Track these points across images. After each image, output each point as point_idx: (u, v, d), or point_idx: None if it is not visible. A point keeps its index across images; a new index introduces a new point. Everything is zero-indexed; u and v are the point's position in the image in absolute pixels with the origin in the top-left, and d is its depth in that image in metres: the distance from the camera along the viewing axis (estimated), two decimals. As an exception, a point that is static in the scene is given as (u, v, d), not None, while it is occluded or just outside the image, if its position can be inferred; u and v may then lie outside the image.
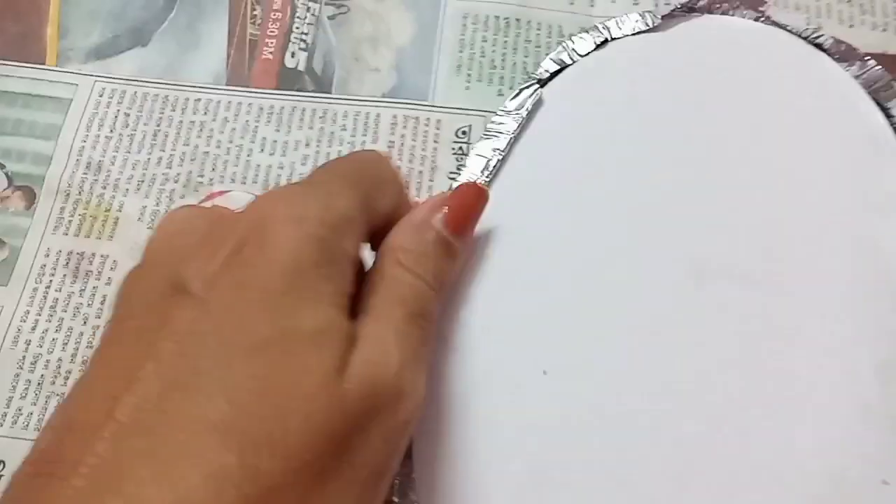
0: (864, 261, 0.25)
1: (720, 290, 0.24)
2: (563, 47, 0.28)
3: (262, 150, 0.31)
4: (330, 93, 0.32)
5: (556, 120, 0.27)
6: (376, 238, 0.21)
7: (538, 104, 0.27)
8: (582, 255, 0.25)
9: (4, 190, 0.31)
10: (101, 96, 0.33)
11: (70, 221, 0.30)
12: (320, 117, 0.32)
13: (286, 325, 0.17)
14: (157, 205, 0.31)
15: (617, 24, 0.29)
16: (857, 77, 0.28)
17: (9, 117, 0.32)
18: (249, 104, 0.32)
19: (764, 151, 0.26)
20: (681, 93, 0.27)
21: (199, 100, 0.32)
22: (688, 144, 0.26)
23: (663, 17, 0.29)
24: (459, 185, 0.22)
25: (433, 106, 0.32)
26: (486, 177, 0.26)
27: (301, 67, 0.33)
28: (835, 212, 0.26)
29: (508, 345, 0.24)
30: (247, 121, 0.32)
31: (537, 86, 0.28)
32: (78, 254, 0.30)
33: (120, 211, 0.31)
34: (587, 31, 0.29)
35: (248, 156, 0.31)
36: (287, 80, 0.33)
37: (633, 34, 0.29)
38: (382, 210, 0.20)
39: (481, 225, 0.23)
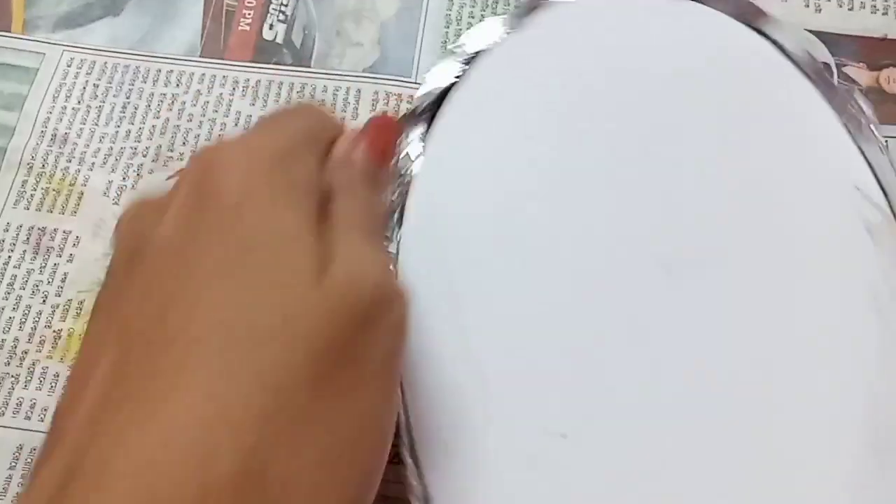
0: (836, 216, 0.24)
1: (694, 276, 0.23)
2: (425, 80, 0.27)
3: (237, 124, 0.30)
4: (309, 66, 0.31)
5: (462, 159, 0.25)
6: None
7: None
8: (545, 291, 0.23)
9: (-37, 161, 0.29)
10: (69, 66, 0.31)
11: (32, 195, 0.29)
12: (298, 92, 0.30)
13: (252, 246, 0.16)
14: (125, 179, 0.29)
15: (476, 33, 0.27)
16: (728, 13, 0.28)
17: (-30, 86, 0.31)
18: (224, 77, 0.31)
19: (679, 121, 0.26)
20: (574, 89, 0.26)
21: (171, 72, 0.31)
22: (607, 142, 0.25)
23: (515, 18, 0.27)
24: (370, 120, 0.22)
25: (416, 83, 0.30)
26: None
27: (279, 40, 0.32)
28: (780, 168, 0.25)
29: (509, 415, 0.22)
30: (220, 94, 0.30)
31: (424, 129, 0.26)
32: (39, 229, 0.28)
33: (85, 185, 0.29)
34: (444, 57, 0.27)
35: (222, 130, 0.30)
36: (264, 52, 0.31)
37: (498, 42, 0.27)
38: (328, 140, 0.21)
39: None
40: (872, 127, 0.26)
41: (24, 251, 0.28)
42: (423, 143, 0.25)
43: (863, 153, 0.25)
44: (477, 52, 0.27)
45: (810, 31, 0.31)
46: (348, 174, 0.20)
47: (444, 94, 0.26)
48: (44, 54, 0.31)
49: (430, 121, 0.26)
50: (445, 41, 0.31)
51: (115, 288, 0.18)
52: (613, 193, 0.24)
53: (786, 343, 0.22)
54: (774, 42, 0.27)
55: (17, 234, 0.28)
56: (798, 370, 0.22)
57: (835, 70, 0.31)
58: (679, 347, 0.22)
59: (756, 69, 0.27)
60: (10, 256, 0.28)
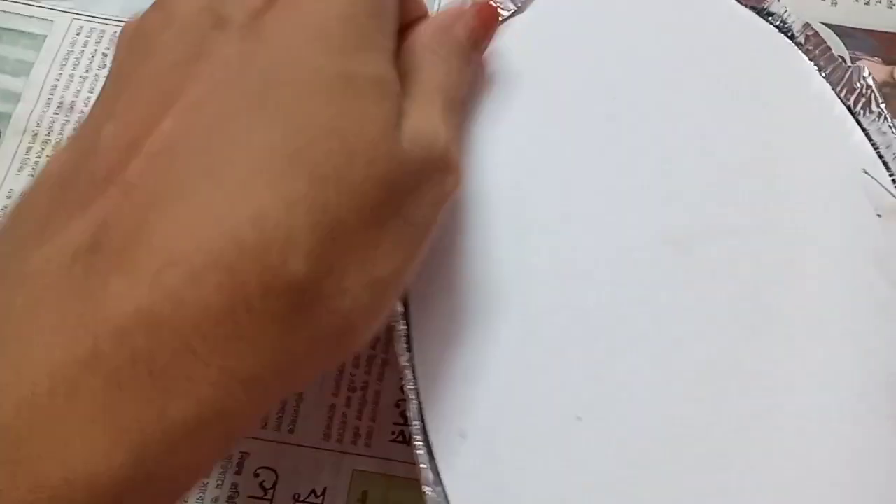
0: (843, 196, 0.24)
1: (705, 253, 0.23)
2: None
3: (247, 98, 0.30)
4: (321, 43, 0.31)
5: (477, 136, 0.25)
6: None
7: None
8: (557, 274, 0.23)
9: (-33, 126, 0.29)
10: (77, 34, 0.31)
11: (37, 162, 0.29)
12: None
13: (349, 69, 0.16)
14: (132, 150, 0.29)
15: None
16: None
17: (-24, 50, 0.30)
18: (235, 50, 0.30)
19: (681, 102, 0.25)
20: (575, 72, 0.26)
21: (182, 43, 0.31)
22: (610, 123, 0.25)
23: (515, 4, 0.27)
24: (477, 4, 0.22)
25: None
26: None
27: (292, 15, 0.31)
28: (782, 148, 0.25)
29: (525, 400, 0.21)
30: (232, 67, 0.30)
31: None
32: (43, 197, 0.28)
33: (91, 154, 0.29)
34: None
35: (232, 103, 0.30)
36: (277, 27, 0.31)
37: (501, 21, 0.26)
38: None
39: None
40: (882, 106, 0.25)
41: (28, 218, 0.28)
42: None
43: (869, 134, 0.25)
44: None
45: (826, 24, 0.31)
46: (448, 40, 0.20)
47: None
48: (52, 21, 0.31)
49: None
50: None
51: (190, 41, 0.16)
52: (617, 173, 0.24)
53: (798, 315, 0.22)
54: (777, 22, 0.27)
55: (21, 201, 0.28)
56: (813, 342, 0.22)
57: (849, 64, 0.31)
58: (690, 325, 0.22)
59: (758, 49, 0.27)
60: (13, 223, 0.28)
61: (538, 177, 0.24)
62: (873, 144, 0.25)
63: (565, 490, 0.20)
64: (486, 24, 0.22)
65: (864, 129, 0.25)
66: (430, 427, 0.21)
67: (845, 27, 0.31)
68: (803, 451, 0.21)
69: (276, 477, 0.24)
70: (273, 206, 0.14)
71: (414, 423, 0.21)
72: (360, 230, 0.16)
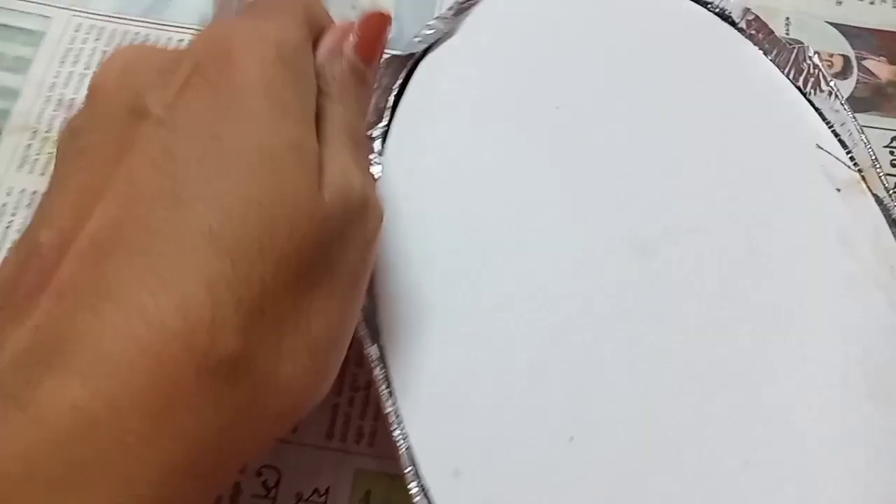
0: (801, 175, 0.24)
1: (671, 252, 0.23)
2: (378, 84, 0.26)
3: (249, 95, 0.29)
4: (324, 40, 0.30)
5: (418, 164, 0.25)
6: None
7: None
8: (532, 291, 0.22)
9: (-34, 123, 0.29)
10: (76, 31, 0.31)
11: (36, 160, 0.28)
12: (312, 64, 0.30)
13: (265, 142, 0.16)
14: (132, 147, 0.29)
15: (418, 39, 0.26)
16: None
17: (-25, 47, 0.30)
18: (237, 47, 0.30)
19: (631, 97, 0.25)
20: (520, 74, 0.26)
21: (181, 41, 0.30)
22: (561, 126, 0.25)
23: (451, 17, 0.27)
24: (365, 14, 0.21)
25: (433, 59, 0.30)
26: None
27: (294, 12, 0.31)
28: (737, 133, 0.25)
29: (516, 429, 0.21)
30: (233, 64, 0.30)
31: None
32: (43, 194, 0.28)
33: (91, 151, 0.28)
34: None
35: (233, 100, 0.29)
36: (278, 24, 0.31)
37: (435, 42, 0.26)
38: (319, 31, 0.20)
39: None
40: (832, 84, 0.25)
41: (27, 216, 0.27)
42: (379, 156, 0.25)
43: (822, 113, 0.25)
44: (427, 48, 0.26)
45: (830, 24, 0.31)
46: (339, 69, 0.20)
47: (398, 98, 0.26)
48: (50, 18, 0.31)
49: (389, 126, 0.25)
50: (463, 18, 0.31)
51: (113, 138, 0.17)
52: (570, 184, 0.24)
53: (770, 303, 0.22)
54: (716, 10, 0.27)
55: (20, 199, 0.28)
56: (788, 329, 0.22)
57: (854, 63, 0.30)
58: (666, 328, 0.22)
59: (700, 38, 0.27)
60: (11, 221, 0.27)
61: (493, 197, 0.24)
62: (827, 123, 0.25)
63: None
64: (375, 34, 0.21)
65: (816, 109, 0.25)
66: (422, 470, 0.20)
67: (850, 26, 0.31)
68: (792, 444, 0.21)
69: (279, 476, 0.23)
70: (195, 291, 0.14)
71: (407, 468, 0.20)
72: (289, 296, 0.16)
